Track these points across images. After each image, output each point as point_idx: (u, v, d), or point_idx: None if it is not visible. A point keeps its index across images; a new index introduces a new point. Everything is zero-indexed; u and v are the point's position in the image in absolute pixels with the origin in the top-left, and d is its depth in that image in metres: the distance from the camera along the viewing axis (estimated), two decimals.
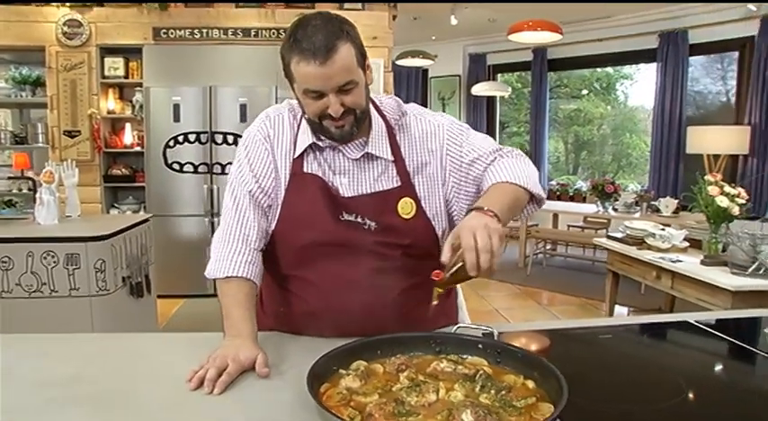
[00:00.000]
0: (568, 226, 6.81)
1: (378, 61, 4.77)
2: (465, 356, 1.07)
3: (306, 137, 1.25)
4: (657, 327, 1.43)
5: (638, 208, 5.51)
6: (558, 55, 7.36)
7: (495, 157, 1.28)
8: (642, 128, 8.44)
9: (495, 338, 1.11)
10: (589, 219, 6.58)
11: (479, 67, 8.08)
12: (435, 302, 1.09)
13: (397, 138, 1.28)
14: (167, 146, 4.47)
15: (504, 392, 0.92)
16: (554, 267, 6.40)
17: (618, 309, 3.98)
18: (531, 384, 0.96)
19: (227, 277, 1.21)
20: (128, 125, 4.78)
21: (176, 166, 4.50)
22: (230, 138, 4.52)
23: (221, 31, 4.51)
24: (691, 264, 2.95)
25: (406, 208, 1.24)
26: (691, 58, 6.22)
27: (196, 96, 4.46)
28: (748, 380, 1.19)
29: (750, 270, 2.66)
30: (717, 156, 5.65)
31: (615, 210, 5.65)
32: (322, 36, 1.10)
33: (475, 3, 5.87)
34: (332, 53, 1.10)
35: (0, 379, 1.02)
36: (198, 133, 4.49)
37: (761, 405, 1.02)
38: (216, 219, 4.58)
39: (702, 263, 2.92)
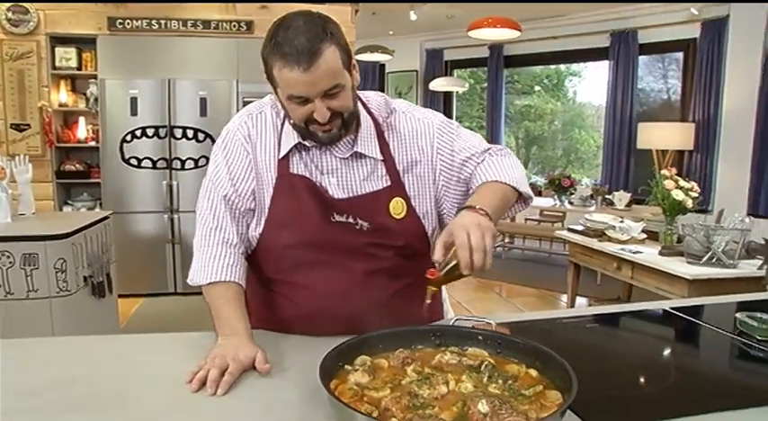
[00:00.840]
0: (525, 219, 6.97)
1: None
2: (465, 348, 1.09)
3: (291, 136, 1.21)
4: (638, 315, 1.50)
5: (594, 201, 5.71)
6: (513, 52, 7.52)
7: (485, 157, 1.27)
8: (590, 123, 8.74)
9: (494, 329, 1.13)
10: (545, 212, 6.76)
11: (436, 63, 8.15)
12: (429, 301, 1.08)
13: (386, 136, 1.25)
14: (124, 140, 4.32)
15: (510, 382, 0.95)
16: (512, 260, 6.55)
17: (577, 299, 4.12)
18: (534, 373, 0.99)
19: (210, 283, 1.19)
20: (81, 119, 4.58)
21: (134, 162, 4.36)
22: (190, 133, 4.40)
23: (180, 23, 4.38)
24: (649, 254, 3.08)
25: (397, 208, 1.22)
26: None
27: (154, 89, 4.33)
28: (725, 361, 1.26)
29: (704, 259, 2.81)
30: (665, 152, 5.91)
31: (571, 203, 5.84)
32: (305, 39, 1.04)
33: (436, 2, 5.92)
34: (316, 58, 1.04)
35: None
36: (156, 127, 4.35)
37: (738, 382, 1.09)
38: (176, 216, 4.47)
39: (660, 253, 3.06)
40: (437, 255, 1.03)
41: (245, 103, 4.35)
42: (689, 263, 2.85)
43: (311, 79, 1.06)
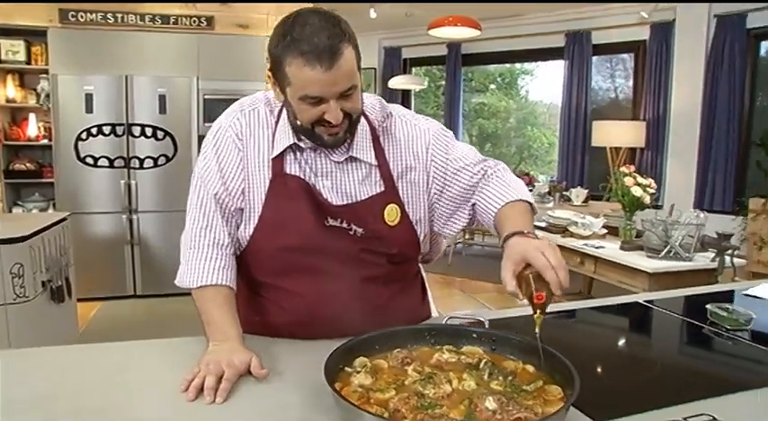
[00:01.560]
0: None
1: None
2: (460, 346, 1.10)
3: (285, 136, 1.17)
4: (615, 309, 1.56)
5: (551, 198, 5.86)
6: (471, 50, 7.62)
7: (485, 170, 1.26)
8: (542, 121, 8.98)
9: (486, 327, 1.15)
10: None
11: (394, 61, 8.18)
12: (538, 331, 0.99)
13: (381, 140, 1.22)
14: (79, 138, 4.14)
15: (510, 378, 0.97)
16: (473, 256, 6.65)
17: None
18: (530, 368, 1.01)
19: (200, 286, 1.16)
20: (32, 115, 4.37)
21: (90, 161, 4.19)
22: (149, 131, 4.27)
23: (138, 17, 4.23)
24: (611, 249, 3.20)
25: (391, 215, 1.20)
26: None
27: (110, 86, 4.16)
28: (701, 350, 1.33)
29: (663, 253, 2.94)
30: (618, 149, 6.13)
31: None
32: (325, 37, 1.01)
33: (394, 3, 5.94)
34: (337, 58, 1.01)
35: None
36: (113, 125, 4.19)
37: (715, 370, 1.16)
38: (135, 217, 4.33)
39: (621, 248, 3.17)
40: (510, 286, 0.99)
41: (206, 101, 4.34)
42: (649, 256, 2.97)
43: (332, 79, 1.03)
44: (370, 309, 1.19)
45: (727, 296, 1.62)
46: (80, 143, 4.15)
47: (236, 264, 1.22)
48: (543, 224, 3.89)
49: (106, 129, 4.19)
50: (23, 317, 2.60)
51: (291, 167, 1.18)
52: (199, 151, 4.22)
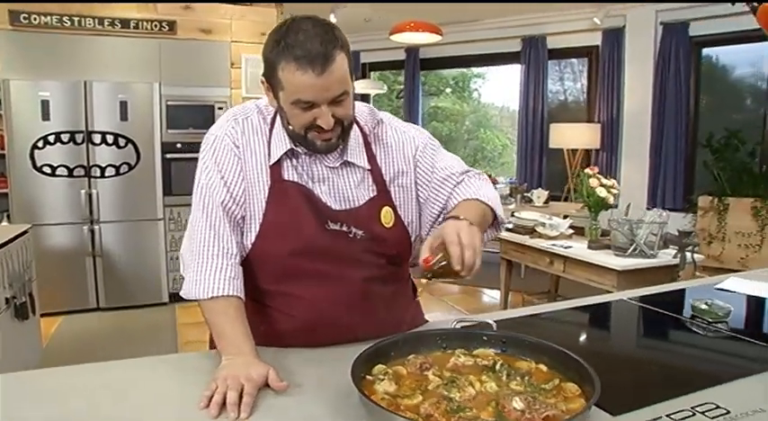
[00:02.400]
0: None
1: None
2: (471, 349, 1.13)
3: (282, 142, 1.20)
4: (603, 307, 1.62)
5: (513, 199, 6.00)
6: (429, 55, 7.73)
7: (464, 178, 1.30)
8: (494, 124, 9.20)
9: (494, 328, 1.19)
10: None
11: (353, 66, 8.19)
12: (421, 289, 1.09)
13: (373, 147, 1.26)
14: (35, 147, 3.97)
15: (527, 378, 1.01)
16: None
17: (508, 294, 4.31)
18: (543, 368, 1.05)
19: (211, 298, 1.14)
20: None
21: (47, 170, 4.02)
22: (110, 138, 4.14)
23: (96, 21, 4.08)
24: (579, 248, 3.31)
25: (387, 217, 1.23)
26: None
27: (68, 92, 4.01)
28: (688, 342, 1.40)
29: (629, 251, 3.06)
30: (575, 151, 6.34)
31: None
32: (318, 43, 1.04)
33: (357, 3, 5.95)
34: (330, 63, 1.04)
35: None
36: (72, 132, 4.04)
37: (706, 359, 1.23)
38: (96, 227, 4.19)
39: (589, 247, 3.29)
40: (424, 253, 1.04)
41: (169, 107, 4.26)
42: (616, 255, 3.09)
43: (324, 84, 1.05)
44: (373, 309, 1.22)
45: (703, 291, 1.72)
46: (36, 152, 3.99)
47: (242, 272, 1.21)
48: (510, 225, 3.98)
49: (64, 137, 4.03)
50: None
51: (289, 174, 1.20)
52: (163, 159, 4.14)
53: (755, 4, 1.54)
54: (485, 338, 1.14)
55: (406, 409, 0.90)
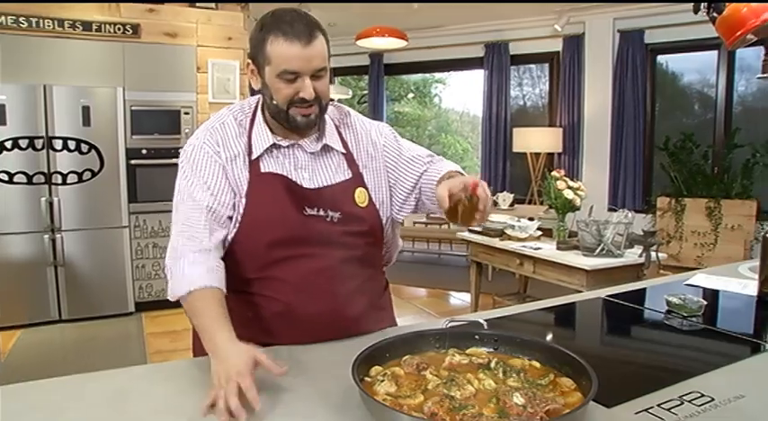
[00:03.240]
0: (414, 222, 7.25)
1: (233, 63, 4.62)
2: (464, 348, 1.15)
3: (264, 137, 1.27)
4: (581, 305, 1.67)
5: None
6: (393, 60, 7.79)
7: (433, 160, 1.41)
8: (455, 128, 9.33)
9: (485, 327, 1.21)
10: (432, 215, 7.08)
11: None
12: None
13: (344, 134, 1.36)
14: None
15: (523, 374, 1.03)
16: (404, 262, 6.76)
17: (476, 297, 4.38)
18: (537, 364, 1.08)
19: (189, 292, 1.14)
20: None
21: (4, 177, 3.87)
22: (72, 144, 4.01)
23: (56, 23, 3.94)
24: (548, 250, 3.39)
25: (360, 197, 1.32)
26: None
27: (26, 96, 3.87)
28: (666, 336, 1.46)
29: (597, 251, 3.15)
30: (538, 155, 6.49)
31: None
32: (303, 24, 1.16)
33: (322, 3, 5.95)
34: (313, 38, 1.16)
35: None
36: (31, 138, 3.90)
37: (685, 350, 1.29)
38: (58, 236, 4.05)
39: (558, 248, 3.37)
40: (443, 199, 1.08)
41: (134, 112, 4.18)
42: (584, 255, 3.18)
43: (308, 55, 1.16)
44: (351, 289, 1.29)
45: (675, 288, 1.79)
46: None
47: (223, 265, 1.22)
48: (480, 228, 4.04)
49: (23, 143, 3.89)
50: None
51: (268, 166, 1.28)
52: (127, 165, 4.06)
53: (715, 14, 1.62)
54: (476, 337, 1.17)
55: (410, 410, 0.91)
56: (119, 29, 4.13)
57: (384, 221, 1.36)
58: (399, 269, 6.98)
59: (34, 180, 3.95)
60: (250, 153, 1.27)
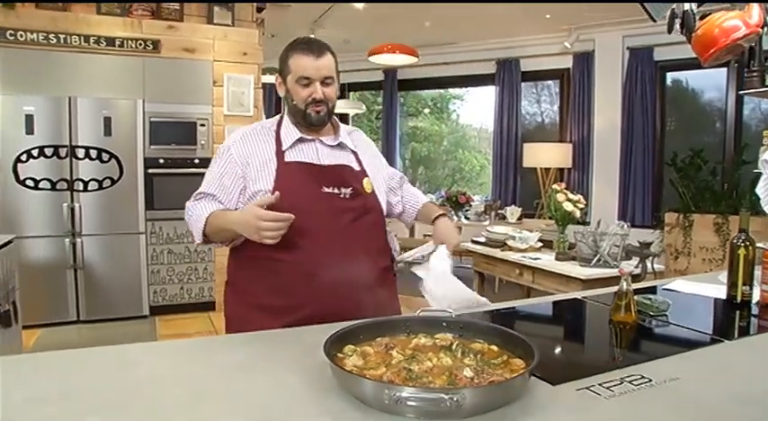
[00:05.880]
0: (424, 235, 7.34)
1: (248, 78, 4.81)
2: (433, 334, 1.26)
3: (292, 133, 1.61)
4: (560, 304, 1.77)
5: (488, 216, 6.18)
6: (407, 76, 7.95)
7: (404, 180, 1.88)
8: (473, 145, 9.41)
9: (453, 316, 1.32)
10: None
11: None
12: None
13: (351, 144, 1.70)
14: (19, 160, 4.04)
15: (479, 355, 1.14)
16: (415, 274, 6.84)
17: None
18: (495, 348, 1.18)
19: (204, 224, 1.54)
20: None
21: (30, 183, 4.08)
22: (93, 153, 4.22)
23: (81, 38, 4.18)
24: (547, 260, 3.46)
25: (367, 186, 1.63)
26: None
27: (53, 107, 4.10)
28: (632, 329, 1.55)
29: (593, 262, 3.23)
30: (548, 170, 6.56)
31: (467, 218, 6.27)
32: (316, 45, 1.56)
33: (336, 22, 6.15)
34: (323, 53, 1.54)
35: None
36: (56, 147, 4.12)
37: (643, 342, 1.38)
38: (78, 240, 4.24)
39: (556, 258, 3.45)
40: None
41: (152, 123, 4.38)
42: (581, 265, 3.25)
43: (319, 65, 1.53)
44: (360, 259, 1.54)
45: (651, 290, 1.88)
46: (20, 165, 4.05)
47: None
48: (482, 239, 4.13)
49: (48, 151, 4.11)
50: None
51: (293, 156, 1.59)
52: (145, 173, 4.29)
53: (687, 33, 1.73)
54: (444, 324, 1.27)
55: (372, 377, 1.02)
56: (140, 44, 4.35)
57: (384, 207, 1.68)
58: (410, 281, 7.09)
59: (57, 186, 4.16)
60: (279, 147, 1.58)
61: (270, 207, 1.43)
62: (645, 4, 1.76)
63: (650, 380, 1.08)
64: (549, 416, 0.95)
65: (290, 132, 1.61)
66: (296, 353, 1.21)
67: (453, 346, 1.17)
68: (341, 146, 1.65)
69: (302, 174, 1.56)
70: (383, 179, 1.75)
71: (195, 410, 0.96)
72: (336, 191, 1.56)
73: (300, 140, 1.60)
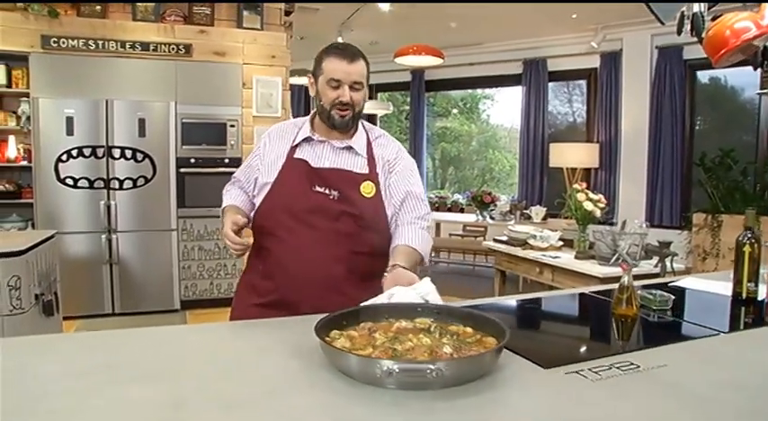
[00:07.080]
0: (450, 234, 7.40)
1: (276, 79, 4.95)
2: (412, 318, 1.33)
3: (304, 132, 1.68)
4: (571, 298, 1.82)
5: (512, 216, 6.20)
6: (434, 76, 8.01)
7: (415, 220, 1.67)
8: (503, 145, 9.38)
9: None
10: (468, 227, 7.21)
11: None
12: None
13: (374, 146, 1.71)
14: (59, 160, 4.26)
15: (456, 336, 1.23)
16: (439, 273, 6.91)
17: None
18: (469, 329, 1.26)
19: (222, 209, 1.75)
20: (11, 137, 4.45)
21: (70, 182, 4.30)
22: (128, 153, 4.42)
23: (118, 44, 4.39)
24: (566, 259, 3.50)
25: (367, 189, 1.64)
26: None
27: (91, 109, 4.31)
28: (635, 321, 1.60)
29: (612, 260, 3.25)
30: (574, 170, 6.54)
31: (492, 218, 6.30)
32: (350, 51, 1.61)
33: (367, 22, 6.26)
34: (356, 59, 1.60)
35: (27, 375, 1.09)
36: (93, 147, 4.33)
37: (642, 333, 1.43)
38: (114, 236, 4.45)
39: (576, 257, 3.47)
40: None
41: (184, 124, 4.55)
42: (600, 264, 3.28)
43: (350, 70, 1.58)
44: (334, 255, 1.59)
45: (661, 287, 1.91)
46: (60, 164, 4.27)
47: (246, 199, 1.76)
48: (505, 238, 4.18)
49: (86, 151, 4.32)
50: (17, 330, 2.70)
51: (300, 154, 1.67)
52: (177, 173, 4.48)
53: (700, 36, 1.76)
54: (419, 310, 1.34)
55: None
56: (173, 49, 4.53)
57: (390, 214, 1.67)
58: (435, 279, 7.15)
59: (95, 185, 4.37)
60: (294, 141, 1.68)
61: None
62: (652, 5, 1.80)
63: (638, 367, 1.14)
64: (532, 393, 1.02)
65: (304, 131, 1.69)
66: (290, 333, 1.32)
67: (432, 328, 1.27)
68: (349, 148, 1.67)
69: (299, 173, 1.64)
70: (398, 193, 1.68)
71: (222, 381, 1.07)
72: (327, 191, 1.61)
73: (309, 140, 1.68)
